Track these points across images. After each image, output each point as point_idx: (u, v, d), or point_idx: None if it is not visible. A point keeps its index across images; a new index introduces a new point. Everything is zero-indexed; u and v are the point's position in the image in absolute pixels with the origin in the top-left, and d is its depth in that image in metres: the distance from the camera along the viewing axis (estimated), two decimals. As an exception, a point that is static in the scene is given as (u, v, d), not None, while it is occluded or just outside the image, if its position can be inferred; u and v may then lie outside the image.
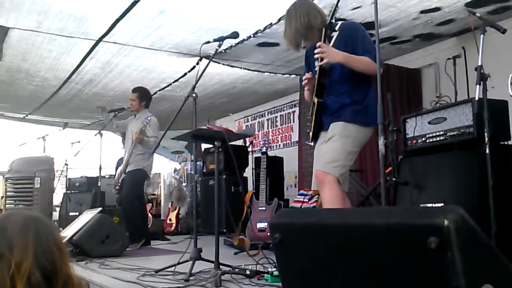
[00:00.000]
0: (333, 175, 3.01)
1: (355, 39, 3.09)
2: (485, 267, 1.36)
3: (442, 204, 3.36)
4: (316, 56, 3.02)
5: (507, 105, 3.43)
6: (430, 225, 1.31)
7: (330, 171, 3.02)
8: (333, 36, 3.09)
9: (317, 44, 2.99)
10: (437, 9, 4.80)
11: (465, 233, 1.30)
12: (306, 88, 3.28)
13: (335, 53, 2.99)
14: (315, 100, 3.18)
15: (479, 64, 2.92)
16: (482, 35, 2.99)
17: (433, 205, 3.44)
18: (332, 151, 3.06)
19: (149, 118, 5.78)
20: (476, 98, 2.88)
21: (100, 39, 5.56)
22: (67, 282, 1.19)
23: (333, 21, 2.98)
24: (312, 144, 3.35)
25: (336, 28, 3.12)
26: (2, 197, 7.69)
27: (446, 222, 1.27)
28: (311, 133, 3.28)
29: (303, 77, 3.24)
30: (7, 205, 6.49)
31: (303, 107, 7.02)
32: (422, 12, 4.87)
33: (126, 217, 5.87)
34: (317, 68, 3.14)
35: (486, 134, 2.90)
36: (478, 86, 2.88)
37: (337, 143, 3.06)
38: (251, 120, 9.94)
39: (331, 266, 1.64)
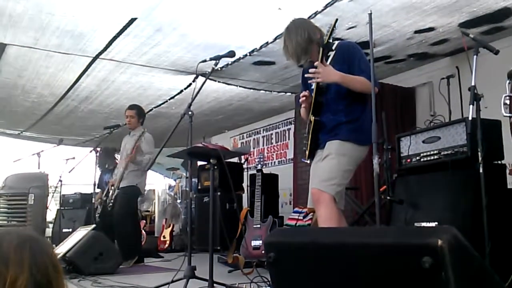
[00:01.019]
0: (329, 194, 3.02)
1: (352, 59, 3.13)
2: (479, 286, 1.37)
3: (436, 223, 3.38)
4: (310, 75, 3.05)
5: (500, 125, 3.45)
6: (424, 245, 1.31)
7: (326, 189, 3.03)
8: (329, 55, 3.14)
9: (315, 63, 3.02)
10: (431, 29, 4.86)
11: (458, 253, 1.31)
12: (303, 106, 3.30)
13: (331, 73, 3.02)
14: (312, 118, 3.20)
15: (473, 84, 2.95)
16: (475, 56, 3.03)
17: (427, 224, 3.46)
18: (328, 170, 3.07)
19: (142, 133, 5.80)
20: (470, 118, 2.90)
21: (97, 56, 5.59)
22: None
23: (331, 40, 3.02)
24: (308, 161, 3.36)
25: (333, 48, 3.17)
26: (-5, 213, 7.63)
27: (440, 242, 1.28)
28: (307, 151, 3.29)
29: (301, 95, 3.27)
30: (0, 222, 6.44)
31: (298, 124, 7.04)
32: (416, 32, 4.93)
33: (119, 234, 5.83)
34: (313, 87, 3.17)
35: (479, 153, 2.92)
36: (471, 106, 2.91)
37: (333, 162, 3.07)
38: (247, 137, 9.96)
39: (326, 285, 1.64)
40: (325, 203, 3.02)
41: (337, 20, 3.00)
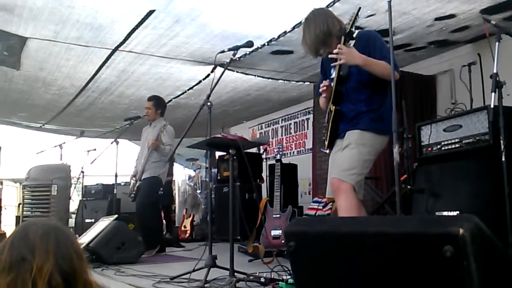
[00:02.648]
0: (349, 183, 3.01)
1: (373, 47, 3.09)
2: (501, 275, 1.36)
3: (457, 213, 3.35)
4: (333, 56, 3.00)
5: (523, 112, 3.40)
6: (446, 234, 1.31)
7: (346, 179, 3.02)
8: (350, 44, 3.11)
9: (338, 46, 2.98)
10: (452, 16, 4.78)
11: (480, 242, 1.30)
12: (323, 96, 3.28)
13: (355, 55, 2.98)
14: (332, 107, 3.19)
15: (495, 71, 2.91)
16: (497, 43, 2.97)
17: (449, 213, 3.43)
18: (348, 159, 3.06)
19: (164, 126, 5.83)
20: (492, 106, 2.86)
21: (116, 48, 5.63)
22: (86, 287, 1.22)
23: (353, 29, 3.00)
24: (327, 151, 3.35)
25: (354, 36, 3.14)
26: (19, 204, 7.78)
27: (461, 231, 1.27)
28: (326, 141, 3.28)
29: (321, 85, 3.24)
30: (24, 213, 6.56)
31: (317, 114, 7.02)
32: (436, 19, 4.86)
33: (141, 224, 5.90)
34: (333, 76, 3.15)
35: (502, 141, 2.87)
36: (493, 93, 2.87)
37: (353, 151, 3.05)
38: (265, 128, 9.96)
39: (346, 274, 1.64)
40: (345, 192, 3.02)
41: (360, 8, 2.97)
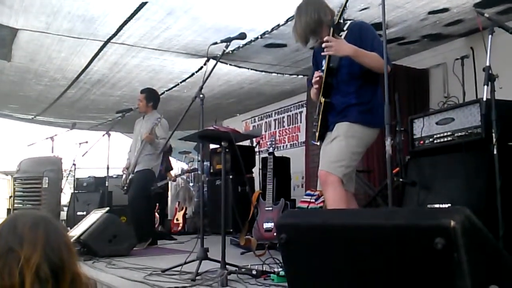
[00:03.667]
0: (336, 175, 3.00)
1: (364, 38, 3.08)
2: (492, 268, 1.36)
3: (449, 205, 3.36)
4: (323, 46, 2.99)
5: (515, 106, 3.41)
6: (437, 226, 1.31)
7: (333, 171, 3.01)
8: (341, 35, 3.10)
9: (325, 38, 2.97)
10: (445, 9, 4.78)
11: (471, 234, 1.30)
12: (315, 87, 3.27)
13: (344, 45, 2.96)
14: (322, 99, 3.18)
15: (487, 64, 2.91)
16: (490, 36, 2.98)
17: (441, 206, 3.44)
18: (336, 151, 3.05)
19: (159, 119, 5.81)
20: (484, 99, 2.87)
21: (109, 40, 5.59)
22: (74, 279, 1.22)
23: (341, 21, 2.98)
24: (318, 143, 3.34)
25: (345, 28, 3.13)
26: (10, 196, 7.73)
27: (452, 223, 1.27)
28: (317, 133, 3.28)
29: (314, 75, 3.23)
30: (15, 205, 6.53)
31: (310, 107, 7.01)
32: (430, 12, 4.86)
33: (133, 216, 5.89)
34: (324, 67, 3.14)
35: (494, 135, 2.88)
36: (486, 86, 2.87)
37: (341, 143, 3.04)
38: (258, 121, 9.95)
39: (337, 266, 1.64)
40: (332, 185, 3.01)
41: (347, 0, 2.95)
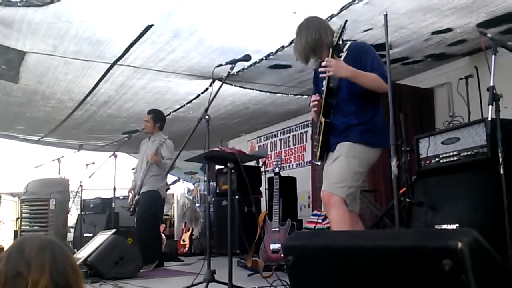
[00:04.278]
0: (339, 196, 2.98)
1: (364, 59, 3.09)
2: (500, 289, 1.35)
3: (457, 225, 3.34)
4: (321, 69, 3.02)
5: (520, 125, 3.40)
6: (444, 248, 1.30)
7: (335, 191, 3.00)
8: (341, 56, 3.12)
9: (326, 59, 2.99)
10: (449, 30, 4.81)
11: (479, 256, 1.29)
12: (313, 110, 3.29)
13: (343, 67, 2.98)
14: (322, 120, 3.18)
15: (491, 84, 2.92)
16: (493, 56, 2.99)
17: (448, 226, 3.42)
18: (338, 172, 3.04)
19: (163, 140, 5.84)
20: (489, 118, 2.87)
21: (115, 63, 5.65)
22: None
23: (340, 42, 3.00)
24: (319, 163, 3.34)
25: (345, 49, 3.15)
26: (17, 218, 7.74)
27: (460, 244, 1.27)
28: (318, 153, 3.27)
29: (311, 99, 3.25)
30: (22, 227, 6.53)
31: (315, 127, 7.02)
32: (433, 33, 4.89)
33: (140, 238, 5.88)
34: (324, 88, 3.15)
35: (500, 154, 2.88)
36: (490, 106, 2.88)
37: (342, 164, 3.04)
38: (264, 140, 9.96)
39: (345, 288, 1.63)
40: (335, 206, 2.99)
41: (346, 21, 2.97)
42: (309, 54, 3.18)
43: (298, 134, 8.97)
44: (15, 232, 9.13)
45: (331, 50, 3.02)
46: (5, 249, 1.30)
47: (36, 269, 1.18)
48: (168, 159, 5.83)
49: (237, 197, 6.69)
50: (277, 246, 5.12)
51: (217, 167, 7.93)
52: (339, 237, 1.84)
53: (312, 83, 3.61)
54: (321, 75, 3.08)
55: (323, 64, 2.99)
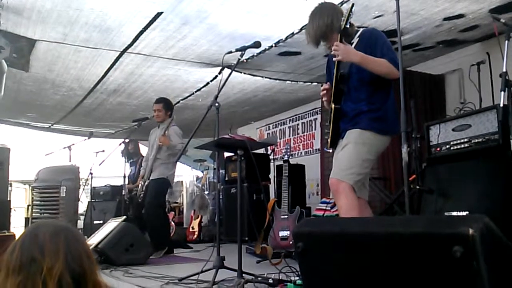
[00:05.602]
0: (347, 183, 2.97)
1: (374, 45, 3.07)
2: (511, 276, 1.35)
3: (467, 213, 3.33)
4: (332, 53, 3.02)
5: (533, 112, 3.37)
6: (455, 234, 1.30)
7: (344, 178, 2.99)
8: (353, 43, 3.11)
9: (334, 43, 2.99)
10: (461, 16, 4.76)
11: (490, 242, 1.29)
12: (323, 99, 3.28)
13: (351, 52, 2.98)
14: (332, 106, 3.17)
15: (504, 70, 2.90)
16: (506, 41, 2.97)
17: (458, 213, 3.41)
18: (346, 159, 3.03)
19: (170, 125, 5.86)
20: (501, 105, 2.85)
21: (125, 50, 5.65)
22: (96, 287, 1.23)
23: (348, 26, 2.99)
24: (330, 150, 3.33)
25: (356, 36, 3.14)
26: (28, 205, 7.82)
27: (471, 231, 1.26)
28: (329, 140, 3.27)
29: (321, 88, 3.25)
30: (33, 214, 6.61)
31: (324, 114, 7.00)
32: (445, 19, 4.84)
33: (149, 225, 5.91)
34: (334, 74, 3.15)
35: (511, 141, 2.86)
36: (502, 92, 2.86)
37: (351, 150, 3.03)
38: (273, 128, 9.96)
39: (355, 275, 1.64)
40: (344, 192, 2.98)
41: (353, 4, 2.96)
42: (320, 38, 3.18)
43: (307, 121, 8.95)
44: (26, 219, 9.23)
45: (339, 34, 3.01)
46: (16, 236, 1.31)
47: (50, 255, 1.19)
48: (180, 143, 5.83)
49: (246, 184, 6.70)
50: (286, 233, 5.13)
51: (226, 154, 7.94)
52: (349, 224, 1.84)
53: (323, 70, 3.60)
54: (334, 58, 3.08)
55: (333, 48, 2.99)
